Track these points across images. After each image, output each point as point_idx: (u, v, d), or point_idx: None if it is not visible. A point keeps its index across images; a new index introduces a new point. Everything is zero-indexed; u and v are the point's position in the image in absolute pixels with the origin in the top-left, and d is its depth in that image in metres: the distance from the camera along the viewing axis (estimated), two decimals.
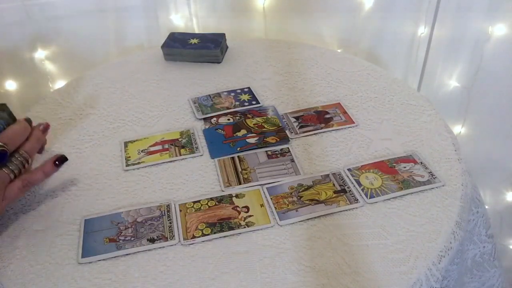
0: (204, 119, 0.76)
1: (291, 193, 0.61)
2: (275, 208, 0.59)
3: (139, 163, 0.68)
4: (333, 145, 0.69)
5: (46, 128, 0.65)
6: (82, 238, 0.57)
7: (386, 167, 0.64)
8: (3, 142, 0.56)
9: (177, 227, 0.58)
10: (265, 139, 0.70)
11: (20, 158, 0.58)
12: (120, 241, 0.56)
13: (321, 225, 0.58)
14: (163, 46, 0.90)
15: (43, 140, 0.64)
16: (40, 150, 0.65)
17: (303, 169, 0.65)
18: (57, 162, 0.61)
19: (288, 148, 0.69)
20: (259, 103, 0.78)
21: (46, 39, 0.99)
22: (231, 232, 0.57)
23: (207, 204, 0.61)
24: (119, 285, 0.52)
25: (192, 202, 0.61)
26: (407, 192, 0.61)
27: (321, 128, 0.72)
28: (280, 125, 0.73)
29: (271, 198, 0.61)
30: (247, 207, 0.60)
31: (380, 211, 0.59)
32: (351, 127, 0.72)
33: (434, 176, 0.63)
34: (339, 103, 0.77)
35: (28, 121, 0.62)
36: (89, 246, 0.56)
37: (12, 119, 0.60)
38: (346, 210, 0.59)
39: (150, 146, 0.70)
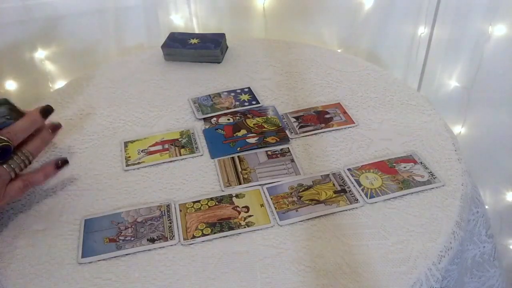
0: (204, 119, 0.76)
1: (291, 193, 0.61)
2: (275, 208, 0.59)
3: (139, 163, 0.68)
4: (333, 145, 0.69)
5: (56, 128, 0.64)
6: (82, 238, 0.57)
7: (386, 167, 0.64)
8: (7, 137, 0.55)
9: (177, 227, 0.58)
10: (265, 139, 0.70)
11: (22, 157, 0.57)
12: (120, 241, 0.56)
13: (321, 225, 0.58)
14: (163, 46, 0.90)
15: (49, 141, 0.63)
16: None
17: (303, 169, 0.65)
18: (58, 165, 0.61)
19: (288, 148, 0.69)
20: (259, 103, 0.78)
21: (46, 39, 0.99)
22: (231, 232, 0.57)
23: (207, 204, 0.61)
24: (119, 285, 0.52)
25: (192, 202, 0.61)
26: (407, 192, 0.61)
27: (321, 128, 0.72)
28: (280, 125, 0.73)
29: (271, 198, 0.61)
30: (247, 207, 0.60)
31: (380, 211, 0.59)
32: (351, 127, 0.72)
33: (434, 176, 0.63)
34: (339, 103, 0.77)
35: (45, 112, 0.60)
36: (89, 246, 0.56)
37: (16, 113, 0.58)
38: (346, 210, 0.59)
39: (150, 146, 0.70)
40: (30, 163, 0.59)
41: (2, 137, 0.54)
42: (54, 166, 0.61)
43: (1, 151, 0.54)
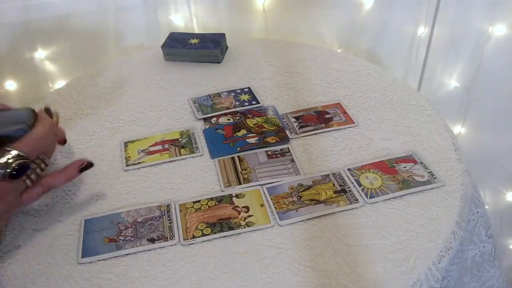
0: (204, 119, 0.76)
1: (291, 193, 0.61)
2: (275, 208, 0.59)
3: (139, 163, 0.68)
4: (333, 145, 0.69)
5: (57, 119, 0.61)
6: (82, 238, 0.57)
7: (386, 167, 0.64)
8: (25, 151, 0.51)
9: (177, 227, 0.58)
10: (265, 139, 0.70)
11: (38, 161, 0.54)
12: (120, 241, 0.56)
13: (321, 225, 0.58)
14: (163, 46, 0.90)
15: (59, 136, 0.60)
16: (63, 142, 0.63)
17: (303, 169, 0.65)
18: (81, 168, 0.58)
19: (288, 148, 0.69)
20: (259, 103, 0.78)
21: (46, 39, 0.99)
22: (231, 232, 0.57)
23: (207, 204, 0.61)
24: (119, 285, 0.52)
25: (192, 202, 0.61)
26: (407, 192, 0.61)
27: (321, 128, 0.72)
28: (280, 125, 0.73)
29: (271, 198, 0.61)
30: (247, 207, 0.60)
31: (380, 211, 0.59)
32: (351, 127, 0.72)
33: (434, 176, 0.63)
34: (339, 103, 0.77)
35: (48, 111, 0.57)
36: (89, 246, 0.56)
37: (35, 117, 0.55)
38: (346, 210, 0.59)
39: (150, 146, 0.70)
40: (46, 165, 0.55)
41: (21, 153, 0.51)
42: (77, 169, 0.58)
43: (18, 168, 0.50)
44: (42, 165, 0.55)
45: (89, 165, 0.60)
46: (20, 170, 0.51)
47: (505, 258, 1.19)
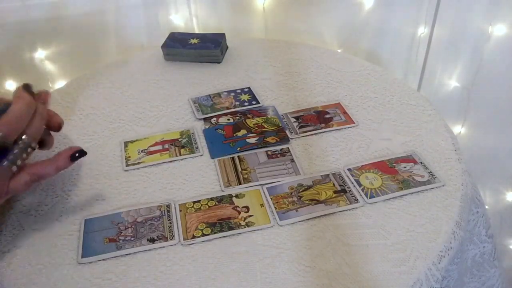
0: (204, 119, 0.76)
1: (291, 193, 0.61)
2: (275, 208, 0.59)
3: (139, 163, 0.68)
4: (333, 145, 0.69)
5: (46, 97, 0.55)
6: (82, 238, 0.57)
7: (386, 167, 0.64)
8: (3, 132, 0.46)
9: (177, 227, 0.58)
10: (265, 139, 0.70)
11: (22, 145, 0.49)
12: (120, 241, 0.56)
13: (321, 225, 0.58)
14: (163, 46, 0.90)
15: (46, 116, 0.55)
16: (57, 128, 0.57)
17: (303, 169, 0.65)
18: (73, 157, 0.54)
19: (288, 148, 0.69)
20: (259, 103, 0.78)
21: (46, 39, 0.99)
22: (231, 232, 0.57)
23: (207, 204, 0.61)
24: (119, 285, 0.52)
25: (192, 202, 0.61)
26: (407, 192, 0.61)
27: (321, 128, 0.72)
28: (280, 125, 0.73)
29: (271, 198, 0.61)
30: (247, 207, 0.60)
31: (380, 211, 0.59)
32: (351, 127, 0.72)
33: (434, 176, 0.63)
34: (339, 103, 0.77)
35: (28, 88, 0.52)
36: (89, 246, 0.56)
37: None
38: (346, 210, 0.59)
39: (150, 146, 0.70)
40: (33, 149, 0.51)
41: None
42: (69, 158, 0.54)
43: None
44: (29, 149, 0.50)
45: (82, 153, 0.55)
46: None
47: (505, 258, 1.19)
